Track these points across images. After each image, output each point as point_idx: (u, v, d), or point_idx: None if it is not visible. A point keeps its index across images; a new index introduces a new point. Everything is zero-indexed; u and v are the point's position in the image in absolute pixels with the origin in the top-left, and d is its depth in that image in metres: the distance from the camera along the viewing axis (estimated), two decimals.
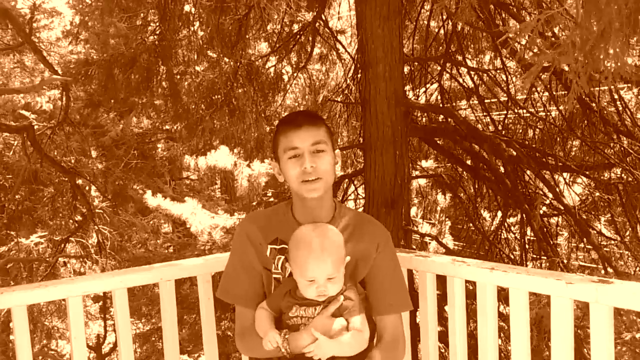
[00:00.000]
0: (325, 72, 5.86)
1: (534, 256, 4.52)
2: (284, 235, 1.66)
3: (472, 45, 5.00)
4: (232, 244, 1.78)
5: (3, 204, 8.06)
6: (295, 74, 5.43)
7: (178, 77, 5.17)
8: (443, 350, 4.07)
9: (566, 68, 4.01)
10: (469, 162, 4.69)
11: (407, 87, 4.76)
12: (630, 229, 4.30)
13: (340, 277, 1.52)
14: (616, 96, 4.16)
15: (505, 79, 4.60)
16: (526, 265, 4.17)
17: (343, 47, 5.29)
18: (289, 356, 1.48)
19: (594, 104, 4.12)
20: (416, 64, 4.95)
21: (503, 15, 4.45)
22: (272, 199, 7.08)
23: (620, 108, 4.22)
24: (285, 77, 5.46)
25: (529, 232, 4.24)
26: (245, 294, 1.69)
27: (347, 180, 4.85)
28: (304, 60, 5.19)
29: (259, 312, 1.60)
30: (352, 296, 1.54)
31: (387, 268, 1.72)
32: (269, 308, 1.59)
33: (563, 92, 4.60)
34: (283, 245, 1.66)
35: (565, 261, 3.96)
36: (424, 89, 5.06)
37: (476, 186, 4.83)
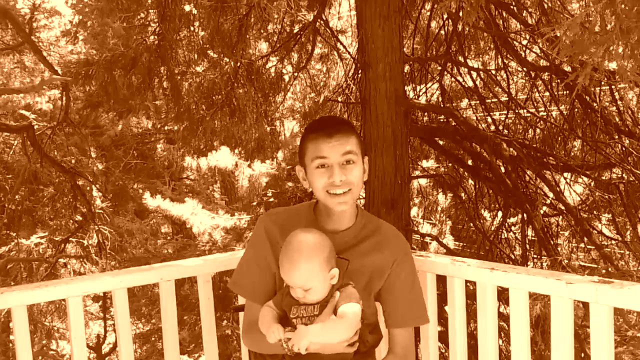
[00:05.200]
0: (326, 72, 5.86)
1: (535, 256, 4.52)
2: None
3: (472, 45, 5.00)
4: (249, 237, 1.78)
5: (3, 204, 8.06)
6: (295, 74, 5.43)
7: (178, 77, 5.17)
8: (443, 351, 4.07)
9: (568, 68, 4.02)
10: (469, 162, 4.69)
11: (408, 87, 4.75)
12: (631, 228, 4.30)
13: (317, 287, 1.49)
14: (617, 96, 4.16)
15: (506, 78, 4.60)
16: (527, 266, 4.17)
17: (343, 46, 5.28)
18: (289, 353, 1.47)
19: (594, 104, 4.12)
20: (416, 64, 4.95)
21: (504, 15, 4.45)
22: (272, 199, 7.08)
23: (622, 108, 4.21)
24: (286, 77, 5.46)
25: (529, 232, 4.24)
26: (254, 288, 1.69)
27: None
28: (304, 60, 5.19)
29: (263, 310, 1.59)
30: (347, 291, 1.52)
31: (403, 282, 1.70)
32: (275, 306, 1.58)
33: (564, 92, 4.60)
34: None
35: (566, 261, 3.96)
36: (424, 89, 5.06)
37: (477, 186, 4.82)
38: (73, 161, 7.60)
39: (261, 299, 1.66)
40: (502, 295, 2.09)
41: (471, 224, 5.29)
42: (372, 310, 1.70)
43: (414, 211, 6.83)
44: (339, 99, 5.19)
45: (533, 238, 4.34)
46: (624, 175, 4.15)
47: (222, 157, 8.12)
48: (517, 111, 4.77)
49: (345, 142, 1.60)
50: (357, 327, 1.51)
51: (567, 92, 4.39)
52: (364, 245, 1.68)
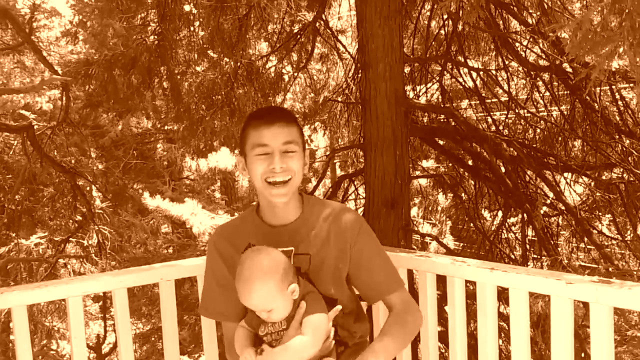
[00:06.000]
0: (326, 72, 5.87)
1: (535, 256, 4.52)
2: (256, 240, 1.61)
3: (472, 45, 5.00)
4: (206, 262, 1.73)
5: (3, 204, 8.05)
6: (295, 74, 5.43)
7: (178, 77, 5.17)
8: (443, 351, 4.06)
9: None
10: (469, 162, 4.69)
11: (408, 87, 4.75)
12: (631, 228, 4.30)
13: (278, 307, 1.45)
14: (617, 96, 4.16)
15: (506, 78, 4.60)
16: (527, 265, 4.17)
17: (343, 47, 5.29)
18: None
19: (595, 104, 4.12)
20: (417, 64, 4.95)
21: (504, 15, 4.45)
22: None
23: (622, 108, 4.22)
24: (286, 77, 5.46)
25: (529, 232, 4.24)
26: (225, 309, 1.65)
27: (347, 180, 4.85)
28: (304, 60, 5.19)
29: (237, 330, 1.56)
30: (312, 299, 1.49)
31: (368, 256, 1.65)
32: (248, 325, 1.56)
33: (564, 92, 4.60)
34: None
35: (566, 261, 3.97)
36: (424, 89, 5.06)
37: (477, 186, 4.82)
38: (73, 161, 7.60)
39: (235, 318, 1.62)
40: (502, 295, 2.09)
41: (471, 224, 5.29)
42: (348, 296, 1.65)
43: (414, 211, 6.84)
44: (339, 99, 5.20)
45: (533, 238, 4.34)
46: (624, 175, 4.16)
47: (222, 157, 8.13)
48: (517, 111, 4.77)
49: (287, 131, 1.56)
50: (325, 335, 1.48)
51: (568, 92, 4.39)
52: (317, 230, 1.63)
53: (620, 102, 4.19)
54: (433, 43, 5.07)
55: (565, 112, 4.42)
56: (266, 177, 1.56)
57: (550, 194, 4.23)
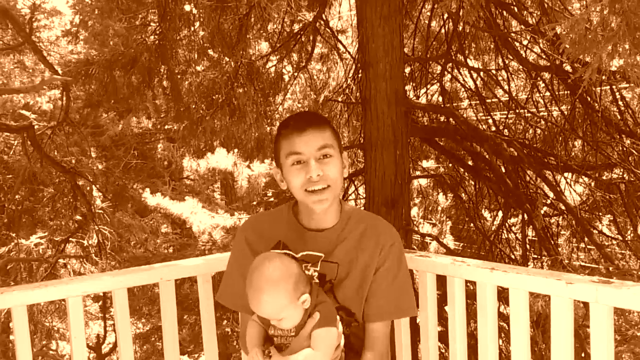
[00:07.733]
0: (326, 72, 5.87)
1: (535, 256, 4.52)
2: (288, 239, 1.56)
3: (473, 45, 5.00)
4: (231, 247, 1.71)
5: (3, 204, 8.06)
6: (295, 74, 5.43)
7: (179, 76, 5.17)
8: (443, 350, 4.07)
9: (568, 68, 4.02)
10: (469, 162, 4.69)
11: (408, 87, 4.75)
12: (631, 228, 4.30)
13: (289, 316, 1.44)
14: (618, 95, 4.16)
15: (506, 78, 4.60)
16: (527, 265, 4.16)
17: (344, 46, 5.29)
18: None
19: (595, 104, 4.12)
20: (417, 64, 4.95)
21: (504, 15, 4.45)
22: (272, 199, 7.08)
23: (622, 108, 4.21)
24: (286, 77, 5.46)
25: (530, 232, 4.24)
26: (244, 301, 1.58)
27: (347, 180, 4.85)
28: (304, 60, 5.19)
29: (249, 325, 1.55)
30: (324, 311, 1.48)
31: (385, 272, 1.61)
32: (259, 321, 1.54)
33: (565, 92, 4.60)
34: (286, 250, 1.56)
35: (566, 261, 3.97)
36: (424, 89, 5.06)
37: (477, 186, 4.82)
38: (73, 161, 7.59)
39: (251, 310, 1.58)
40: (502, 295, 2.09)
41: (471, 224, 5.29)
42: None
43: (414, 211, 6.83)
44: (339, 99, 5.20)
45: (533, 238, 4.34)
46: (624, 175, 4.15)
47: (222, 157, 8.13)
48: (517, 111, 4.77)
49: (319, 135, 1.53)
50: (333, 348, 1.47)
51: (568, 92, 4.39)
52: (349, 242, 1.61)
53: (620, 102, 4.19)
54: (433, 43, 5.07)
55: (566, 112, 4.42)
56: (305, 188, 1.52)
57: (551, 194, 4.23)
